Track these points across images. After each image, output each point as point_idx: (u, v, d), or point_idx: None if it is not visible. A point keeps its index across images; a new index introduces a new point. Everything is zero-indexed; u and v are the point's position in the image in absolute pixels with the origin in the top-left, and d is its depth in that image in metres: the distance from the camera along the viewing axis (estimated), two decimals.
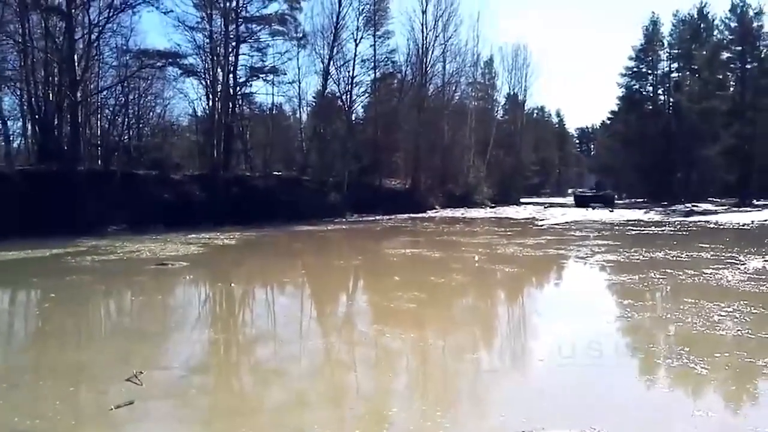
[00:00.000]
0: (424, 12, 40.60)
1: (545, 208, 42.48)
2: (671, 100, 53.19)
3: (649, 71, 54.91)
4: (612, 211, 36.37)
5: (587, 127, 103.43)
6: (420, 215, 33.37)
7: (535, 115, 72.73)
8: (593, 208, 38.99)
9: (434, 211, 37.59)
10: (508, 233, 21.92)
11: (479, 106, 52.93)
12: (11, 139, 27.22)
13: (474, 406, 5.19)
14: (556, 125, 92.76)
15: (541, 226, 25.70)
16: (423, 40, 40.66)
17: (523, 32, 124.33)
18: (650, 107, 54.90)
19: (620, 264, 13.22)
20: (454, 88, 45.49)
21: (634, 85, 55.64)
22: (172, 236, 19.16)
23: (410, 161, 40.86)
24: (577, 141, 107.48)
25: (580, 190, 58.52)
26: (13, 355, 7.00)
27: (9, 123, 26.82)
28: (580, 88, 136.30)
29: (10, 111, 27.27)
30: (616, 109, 60.17)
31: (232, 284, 11.62)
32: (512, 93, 58.38)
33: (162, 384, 5.43)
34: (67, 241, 16.97)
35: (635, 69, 55.14)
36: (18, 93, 26.64)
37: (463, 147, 46.17)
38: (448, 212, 36.68)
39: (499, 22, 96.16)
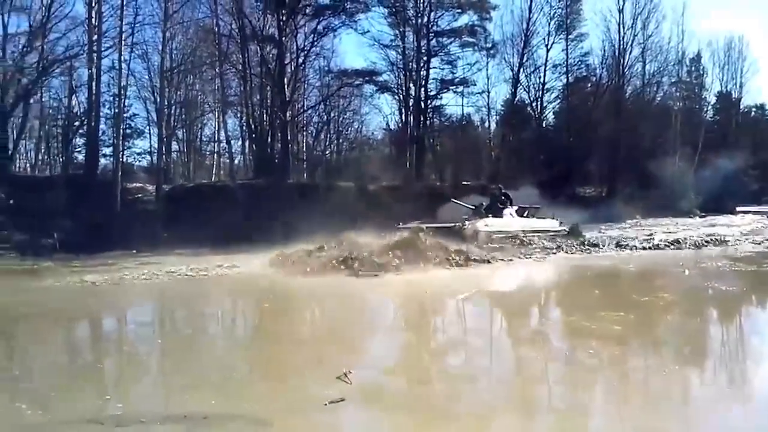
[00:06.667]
0: (620, 11, 38.10)
1: (767, 217, 37.35)
2: None
3: None
4: None
5: None
6: (618, 225, 31.32)
7: (753, 114, 64.54)
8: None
9: (634, 220, 35.01)
10: (721, 246, 19.75)
11: (685, 107, 48.31)
12: (233, 156, 31.01)
13: None
14: None
15: (763, 237, 22.70)
16: (620, 40, 38.21)
17: (738, 21, 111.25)
18: None
19: None
20: (655, 89, 42.16)
21: None
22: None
23: (606, 168, 38.70)
24: None
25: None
26: (235, 351, 7.91)
27: (232, 142, 30.66)
28: None
29: (232, 132, 31.20)
30: None
31: (426, 292, 11.96)
32: (724, 91, 52.40)
33: (366, 384, 5.81)
34: (278, 247, 18.73)
35: None
36: (239, 116, 30.33)
37: (667, 151, 42.54)
38: (650, 222, 33.94)
39: (709, 13, 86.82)
